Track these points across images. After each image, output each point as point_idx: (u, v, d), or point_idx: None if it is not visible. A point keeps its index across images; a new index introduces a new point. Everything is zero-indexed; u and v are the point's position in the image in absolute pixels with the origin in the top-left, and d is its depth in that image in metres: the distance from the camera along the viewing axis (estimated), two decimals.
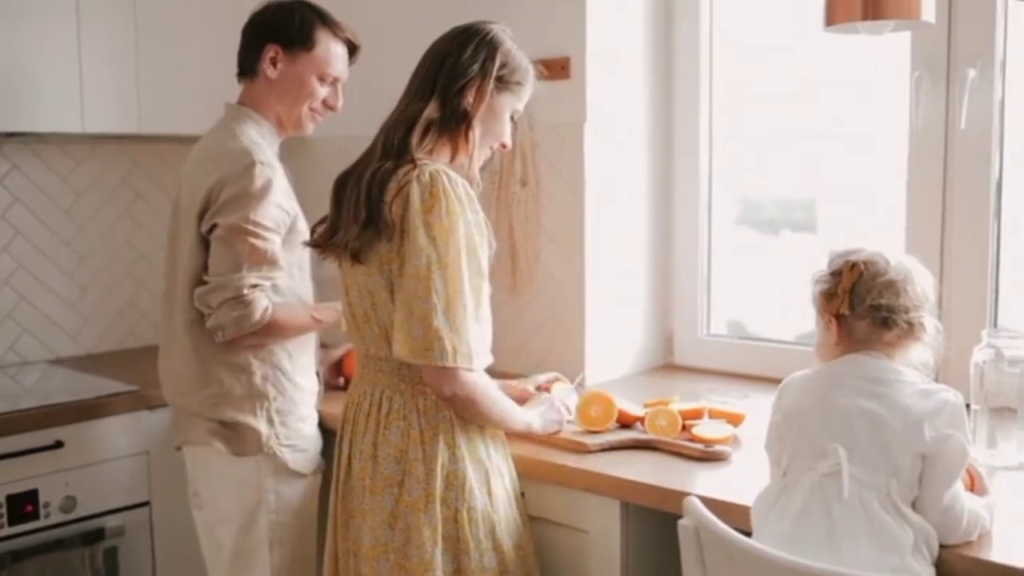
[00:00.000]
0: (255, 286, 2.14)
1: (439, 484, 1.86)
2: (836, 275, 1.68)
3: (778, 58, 2.74)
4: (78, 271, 3.20)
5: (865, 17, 1.87)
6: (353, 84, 3.18)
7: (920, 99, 2.36)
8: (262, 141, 2.24)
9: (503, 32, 1.97)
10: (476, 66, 1.91)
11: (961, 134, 2.32)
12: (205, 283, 2.15)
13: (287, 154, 3.26)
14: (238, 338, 2.16)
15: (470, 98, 1.90)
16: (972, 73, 2.28)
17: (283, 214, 2.20)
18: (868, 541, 1.51)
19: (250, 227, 2.13)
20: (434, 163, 1.87)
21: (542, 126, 2.72)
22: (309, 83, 2.28)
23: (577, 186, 2.68)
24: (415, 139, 1.86)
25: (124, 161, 3.27)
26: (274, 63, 2.25)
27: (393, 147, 1.88)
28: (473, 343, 1.81)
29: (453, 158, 1.94)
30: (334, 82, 2.33)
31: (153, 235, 3.28)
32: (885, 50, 2.41)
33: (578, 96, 2.66)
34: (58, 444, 2.50)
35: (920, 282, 1.67)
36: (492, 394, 1.92)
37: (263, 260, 2.15)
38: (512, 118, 2.02)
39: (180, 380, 2.28)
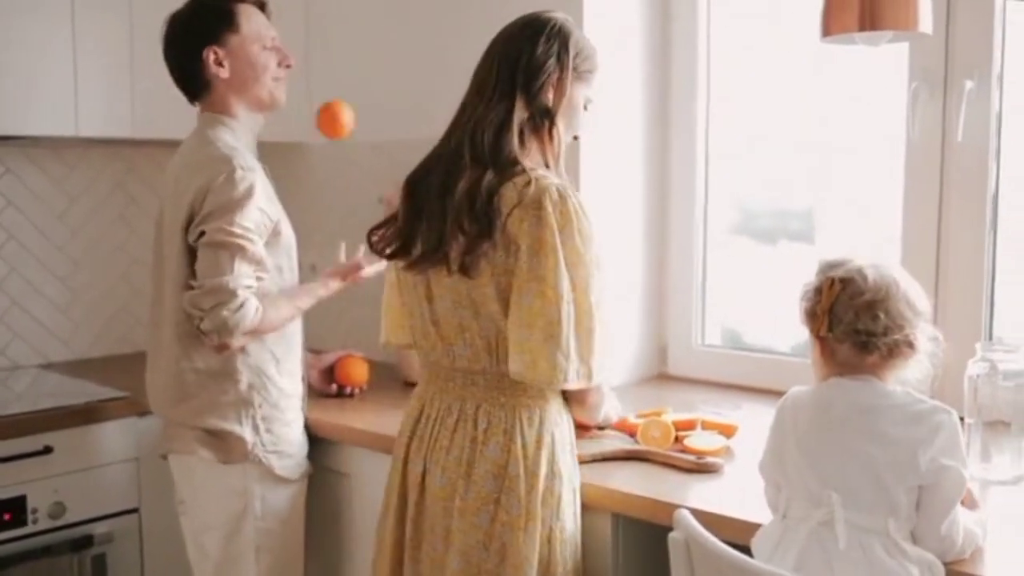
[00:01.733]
0: (247, 287, 2.12)
1: (538, 501, 1.80)
2: (818, 292, 1.63)
3: (776, 67, 2.73)
4: (71, 276, 3.19)
5: (862, 28, 1.85)
6: (347, 91, 3.18)
7: (917, 110, 2.35)
8: (238, 145, 2.23)
9: (568, 20, 1.90)
10: (552, 60, 1.84)
11: (958, 146, 2.31)
12: (194, 288, 2.12)
13: (281, 161, 3.26)
14: (233, 341, 2.12)
15: (550, 94, 1.84)
16: (969, 85, 2.27)
17: (265, 217, 2.19)
18: None
19: (237, 230, 2.11)
20: (547, 174, 1.81)
21: None
22: (258, 58, 2.26)
23: None
24: (515, 144, 1.80)
25: (118, 166, 3.27)
26: (220, 63, 2.23)
27: (485, 153, 1.79)
28: (597, 361, 1.80)
29: (544, 158, 1.87)
30: (274, 43, 2.30)
31: (147, 241, 3.23)
32: (884, 60, 2.40)
33: None
34: (47, 449, 2.49)
35: (904, 297, 1.60)
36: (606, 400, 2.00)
37: (251, 261, 2.13)
38: (585, 107, 1.94)
39: (165, 391, 2.27)
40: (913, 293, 1.62)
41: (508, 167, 1.78)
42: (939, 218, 2.37)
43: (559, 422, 1.86)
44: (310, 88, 3.17)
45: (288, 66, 2.32)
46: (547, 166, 1.86)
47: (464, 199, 1.77)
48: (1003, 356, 1.92)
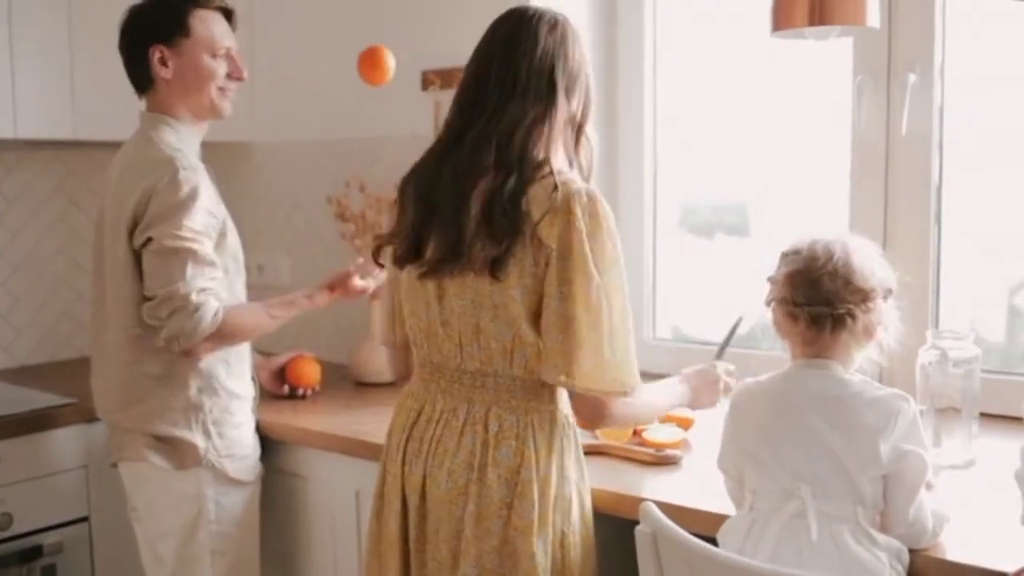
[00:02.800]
0: (203, 290, 2.10)
1: (550, 505, 1.77)
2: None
3: (721, 62, 2.76)
4: (10, 281, 3.12)
5: (812, 23, 1.88)
6: (292, 89, 3.16)
7: (862, 103, 2.39)
8: (182, 146, 2.20)
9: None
10: (584, 65, 1.83)
11: (902, 139, 2.35)
12: (149, 299, 2.11)
13: (226, 161, 3.22)
14: (196, 346, 2.11)
15: (582, 98, 1.83)
16: (913, 78, 2.31)
17: (212, 218, 2.16)
18: None
19: (185, 233, 2.08)
20: (574, 177, 1.78)
21: None
22: (204, 65, 2.22)
23: None
24: (546, 147, 1.77)
25: (58, 168, 3.20)
26: (164, 63, 2.20)
27: (513, 157, 1.74)
28: (633, 365, 1.78)
29: (575, 161, 1.84)
30: (227, 53, 2.27)
31: (89, 244, 3.17)
32: (828, 54, 2.44)
33: None
34: None
35: (835, 271, 1.60)
36: (647, 403, 1.90)
37: (203, 263, 2.11)
38: None
39: (112, 396, 2.24)
40: (858, 271, 1.61)
41: (536, 170, 1.75)
42: (885, 210, 2.41)
43: (567, 426, 1.83)
44: (253, 86, 3.13)
45: (239, 78, 2.29)
46: (569, 167, 1.82)
47: (489, 203, 1.73)
48: (953, 344, 1.96)
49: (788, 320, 1.63)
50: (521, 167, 1.74)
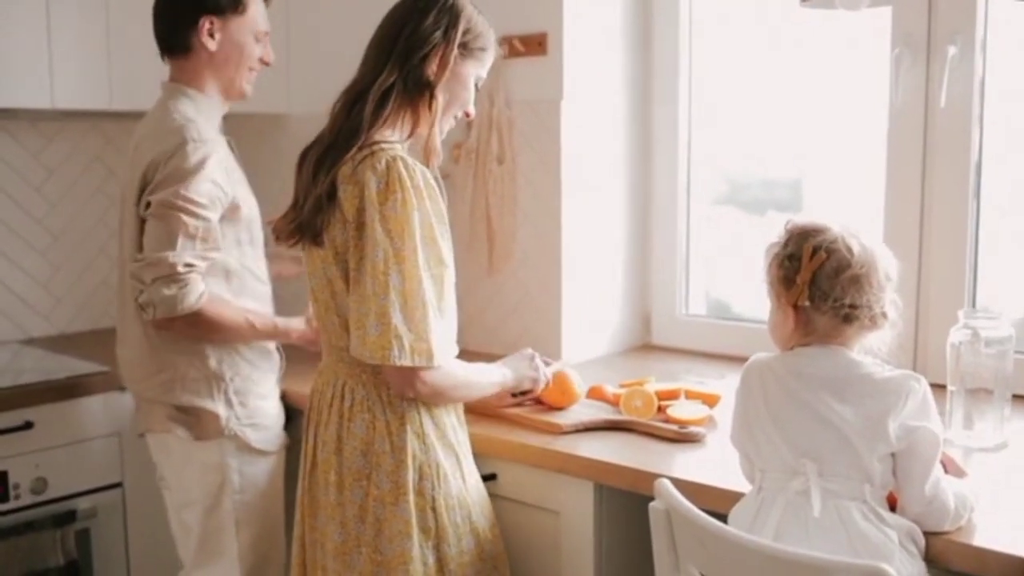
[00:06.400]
0: (190, 265, 2.09)
1: (411, 475, 1.80)
2: (794, 260, 1.59)
3: (760, 35, 2.71)
4: (50, 250, 3.16)
5: None
6: (328, 60, 3.15)
7: (900, 77, 2.34)
8: (198, 117, 2.20)
9: None
10: (439, 33, 1.83)
11: (941, 112, 2.30)
12: (138, 260, 2.10)
13: (259, 133, 3.23)
14: (166, 322, 2.10)
15: (433, 67, 1.83)
16: (952, 51, 2.25)
17: (218, 190, 2.14)
18: (851, 556, 1.46)
19: (181, 202, 2.08)
20: (391, 146, 1.80)
21: (519, 103, 2.69)
22: (248, 46, 2.25)
23: (554, 164, 2.65)
24: (368, 114, 1.79)
25: (96, 138, 3.23)
26: (211, 34, 2.20)
27: (344, 124, 1.81)
28: (435, 339, 1.75)
29: (414, 129, 1.86)
30: (264, 37, 2.29)
31: None
32: (868, 27, 2.38)
33: (555, 73, 2.62)
34: (28, 425, 2.47)
35: (882, 267, 1.59)
36: (460, 383, 1.87)
37: (196, 236, 2.10)
38: (476, 85, 1.94)
39: (135, 367, 2.26)
40: (888, 262, 1.61)
41: (350, 140, 1.79)
42: (922, 185, 2.36)
43: None
44: (288, 58, 3.14)
45: (267, 63, 2.31)
46: (410, 135, 1.86)
47: (311, 171, 1.81)
48: (985, 323, 1.91)
49: (837, 321, 1.58)
50: (338, 138, 1.80)
